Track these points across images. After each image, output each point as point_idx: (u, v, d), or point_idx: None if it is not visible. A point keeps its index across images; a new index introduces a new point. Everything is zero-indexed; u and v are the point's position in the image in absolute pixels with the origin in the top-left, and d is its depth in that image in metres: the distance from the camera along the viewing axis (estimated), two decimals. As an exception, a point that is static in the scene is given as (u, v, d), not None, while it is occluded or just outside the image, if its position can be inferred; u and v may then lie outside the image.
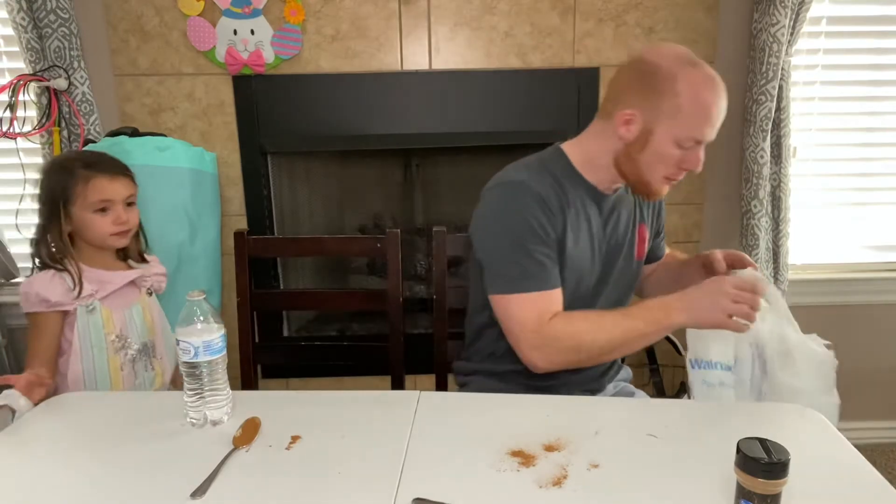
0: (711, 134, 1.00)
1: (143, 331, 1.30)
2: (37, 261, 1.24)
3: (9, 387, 0.98)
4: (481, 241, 1.08)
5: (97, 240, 1.24)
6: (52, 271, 1.21)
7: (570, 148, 1.11)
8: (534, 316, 1.01)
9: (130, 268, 1.31)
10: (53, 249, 1.20)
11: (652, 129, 1.00)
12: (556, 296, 1.04)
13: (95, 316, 1.23)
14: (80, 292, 1.20)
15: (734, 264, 1.12)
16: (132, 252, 1.32)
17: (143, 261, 1.34)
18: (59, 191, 1.20)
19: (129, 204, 1.26)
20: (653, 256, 1.29)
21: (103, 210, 1.21)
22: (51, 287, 1.19)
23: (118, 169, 1.25)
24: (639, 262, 1.19)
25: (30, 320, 1.22)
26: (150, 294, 1.33)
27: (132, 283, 1.29)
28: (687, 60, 0.99)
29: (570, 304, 1.07)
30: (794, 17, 1.69)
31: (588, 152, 1.09)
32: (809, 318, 2.00)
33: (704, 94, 0.98)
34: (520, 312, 1.02)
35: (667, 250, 1.35)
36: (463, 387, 1.24)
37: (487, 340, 1.17)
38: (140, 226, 1.32)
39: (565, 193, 1.06)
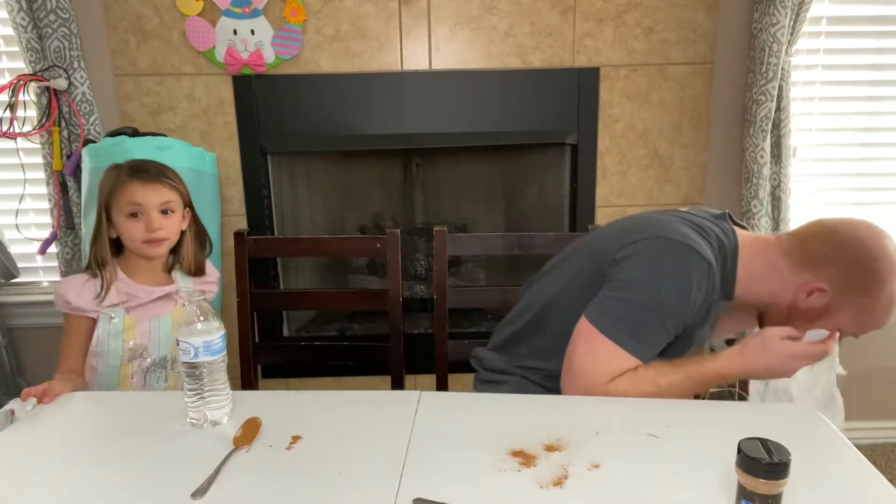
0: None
1: (167, 343, 1.30)
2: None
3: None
4: (629, 275, 0.99)
5: (132, 247, 1.25)
6: (87, 275, 1.24)
7: (745, 253, 1.03)
8: (611, 371, 0.97)
9: (173, 281, 1.30)
10: (96, 255, 1.24)
11: (832, 312, 0.98)
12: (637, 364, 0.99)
13: (116, 324, 1.25)
14: (103, 300, 1.22)
15: None
16: (186, 264, 1.31)
17: (199, 273, 1.33)
18: (104, 192, 1.23)
19: (166, 212, 1.24)
20: None
21: (135, 215, 1.22)
22: (77, 291, 1.22)
23: (157, 176, 1.24)
24: None
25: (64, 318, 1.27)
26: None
27: (167, 294, 1.29)
28: None
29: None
30: (794, 17, 1.69)
31: (755, 277, 1.03)
32: (809, 318, 2.01)
33: (895, 311, 0.97)
34: (604, 359, 0.97)
35: None
36: (487, 383, 1.17)
37: (552, 341, 1.10)
38: (198, 234, 1.32)
39: (721, 290, 1.03)
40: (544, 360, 1.11)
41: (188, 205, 1.31)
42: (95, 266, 1.24)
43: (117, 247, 1.27)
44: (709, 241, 1.01)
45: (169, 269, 1.31)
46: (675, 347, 1.03)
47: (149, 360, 1.29)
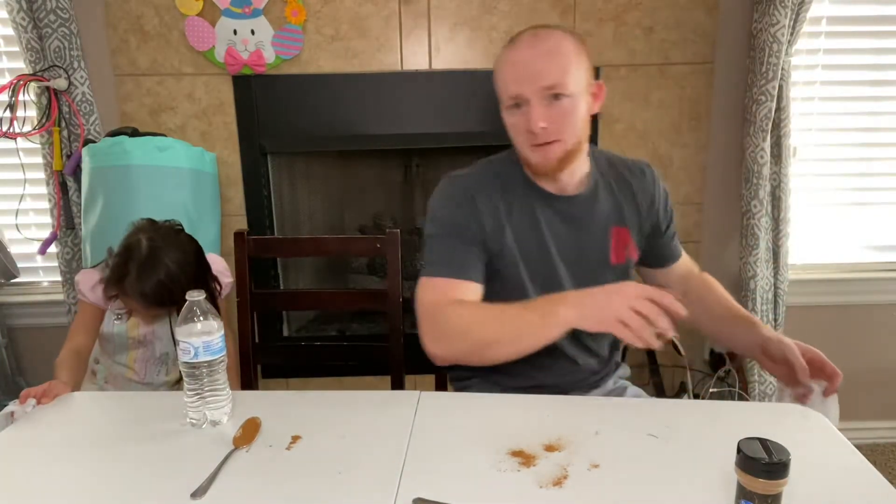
0: (519, 88, 0.98)
1: (169, 339, 1.34)
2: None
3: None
4: (425, 229, 1.10)
5: None
6: (101, 273, 1.30)
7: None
8: (434, 300, 1.01)
9: None
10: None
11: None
12: (466, 287, 1.02)
13: (119, 324, 1.32)
14: (110, 302, 1.29)
15: (811, 363, 0.97)
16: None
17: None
18: (114, 267, 1.22)
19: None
20: (660, 257, 1.22)
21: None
22: (90, 286, 1.31)
23: (157, 303, 1.21)
24: (619, 267, 1.14)
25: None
26: None
27: None
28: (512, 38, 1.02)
29: None
30: (794, 17, 1.69)
31: None
32: (809, 318, 2.01)
33: (502, 55, 1.01)
34: (423, 295, 1.02)
35: (689, 261, 1.25)
36: (462, 390, 1.22)
37: None
38: (195, 273, 1.28)
39: (508, 192, 1.07)
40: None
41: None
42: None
43: None
44: (476, 164, 1.14)
45: None
46: (506, 263, 1.07)
47: (149, 351, 1.33)
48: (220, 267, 1.41)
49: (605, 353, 1.19)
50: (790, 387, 0.99)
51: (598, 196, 1.12)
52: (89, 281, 1.31)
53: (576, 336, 1.13)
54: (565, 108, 0.98)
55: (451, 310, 0.99)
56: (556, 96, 0.98)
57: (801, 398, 0.97)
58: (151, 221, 1.27)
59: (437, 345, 0.99)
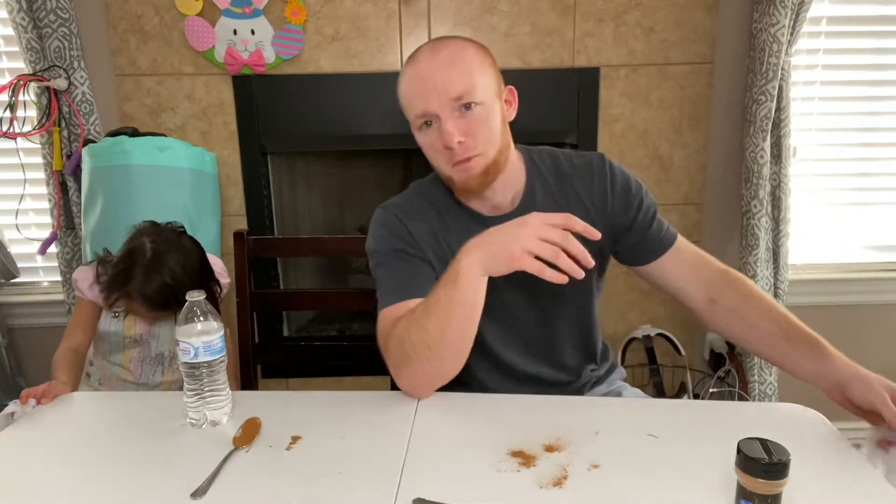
0: (426, 104, 0.93)
1: (167, 339, 1.34)
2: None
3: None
4: None
5: None
6: (97, 271, 1.31)
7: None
8: (382, 334, 0.97)
9: None
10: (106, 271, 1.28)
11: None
12: (412, 305, 0.95)
13: (117, 322, 1.32)
14: (110, 305, 1.28)
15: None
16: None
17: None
18: (119, 272, 1.22)
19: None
20: (643, 251, 1.08)
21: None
22: (88, 285, 1.30)
23: (163, 303, 1.21)
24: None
25: None
26: None
27: None
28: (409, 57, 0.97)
29: (504, 334, 1.05)
30: (794, 17, 1.69)
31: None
32: (809, 318, 2.00)
33: (404, 73, 0.97)
34: (380, 322, 0.98)
35: (691, 249, 1.09)
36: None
37: None
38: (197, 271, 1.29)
39: (443, 215, 1.05)
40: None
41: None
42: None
43: None
44: (405, 193, 1.11)
45: None
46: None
47: (146, 351, 1.33)
48: (218, 268, 1.41)
49: (571, 363, 1.12)
50: (878, 425, 0.84)
51: (536, 208, 1.00)
52: (87, 278, 1.31)
53: (529, 347, 1.09)
54: (478, 117, 0.93)
55: (391, 336, 0.95)
56: (467, 106, 0.92)
57: (886, 445, 0.81)
58: (154, 224, 1.27)
59: (401, 378, 0.96)
